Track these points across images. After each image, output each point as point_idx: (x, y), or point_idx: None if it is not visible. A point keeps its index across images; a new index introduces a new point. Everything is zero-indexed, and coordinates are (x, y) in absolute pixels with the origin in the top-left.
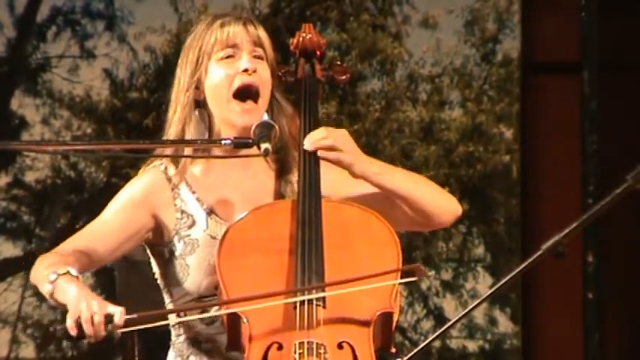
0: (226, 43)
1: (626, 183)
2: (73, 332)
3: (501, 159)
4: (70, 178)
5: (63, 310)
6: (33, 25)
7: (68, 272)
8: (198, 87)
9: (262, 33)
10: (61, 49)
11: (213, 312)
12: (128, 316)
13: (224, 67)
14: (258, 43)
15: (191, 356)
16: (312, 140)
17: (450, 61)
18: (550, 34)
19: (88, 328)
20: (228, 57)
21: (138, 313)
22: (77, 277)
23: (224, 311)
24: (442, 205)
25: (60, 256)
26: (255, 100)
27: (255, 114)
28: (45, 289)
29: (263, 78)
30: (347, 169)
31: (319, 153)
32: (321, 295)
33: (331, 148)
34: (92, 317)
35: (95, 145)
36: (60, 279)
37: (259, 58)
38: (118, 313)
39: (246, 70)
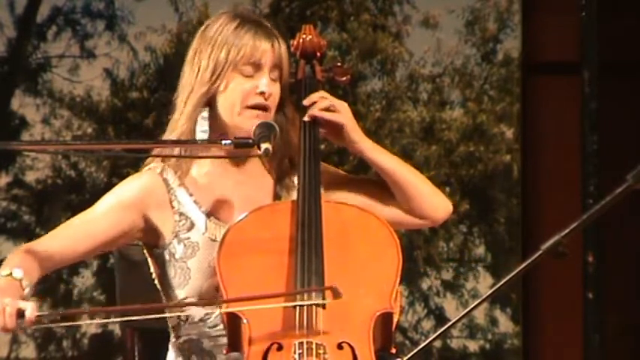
0: (252, 60)
1: (626, 183)
2: None
3: (502, 159)
4: (70, 178)
5: None
6: (33, 25)
7: (10, 274)
8: (214, 91)
9: (284, 50)
10: (61, 48)
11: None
12: (40, 313)
13: (243, 83)
14: (278, 65)
15: (192, 356)
16: (313, 99)
17: (450, 60)
18: (550, 34)
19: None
20: (249, 74)
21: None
22: (20, 279)
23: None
24: (435, 198)
25: (23, 255)
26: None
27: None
28: None
29: (275, 99)
30: (344, 136)
31: (318, 114)
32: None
33: (330, 109)
34: (4, 309)
35: (96, 145)
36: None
37: (276, 80)
38: (29, 307)
39: (262, 93)
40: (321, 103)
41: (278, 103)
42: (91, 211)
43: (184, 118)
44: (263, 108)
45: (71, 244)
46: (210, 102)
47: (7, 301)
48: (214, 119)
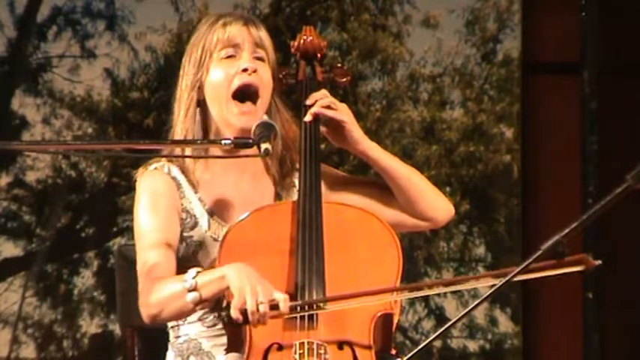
0: (228, 43)
1: (626, 183)
2: (239, 320)
3: (502, 159)
4: (70, 178)
5: (218, 299)
6: (33, 24)
7: (198, 272)
8: (201, 87)
9: (264, 34)
10: (61, 48)
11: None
12: (292, 303)
13: (224, 67)
14: (259, 44)
15: (191, 356)
16: (315, 97)
17: (450, 60)
18: (550, 34)
19: (253, 319)
20: (229, 57)
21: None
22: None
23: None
24: (436, 199)
25: (165, 277)
26: (254, 102)
27: (253, 116)
28: (187, 300)
29: (263, 79)
30: (346, 136)
31: (320, 110)
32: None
33: (332, 107)
34: (257, 307)
35: (96, 145)
36: (198, 278)
37: (260, 59)
38: (283, 300)
39: (245, 70)
40: (323, 101)
41: (272, 90)
42: (146, 234)
43: (180, 120)
44: (249, 89)
45: (165, 261)
46: (202, 101)
47: (262, 298)
48: (206, 118)
